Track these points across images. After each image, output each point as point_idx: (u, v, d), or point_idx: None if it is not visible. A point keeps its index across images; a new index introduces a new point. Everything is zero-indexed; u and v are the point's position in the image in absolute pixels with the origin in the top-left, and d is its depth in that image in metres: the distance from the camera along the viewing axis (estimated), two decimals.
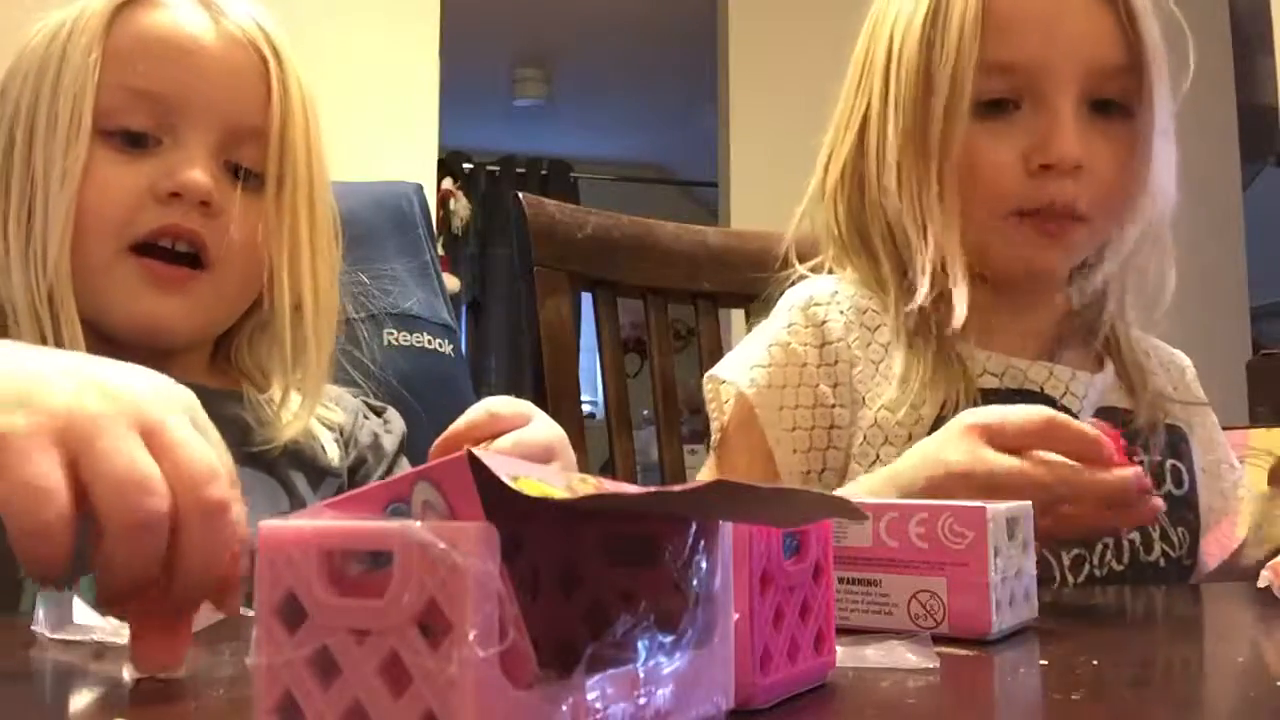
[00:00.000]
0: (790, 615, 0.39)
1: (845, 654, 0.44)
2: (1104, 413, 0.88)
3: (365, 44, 2.60)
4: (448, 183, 4.48)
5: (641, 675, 0.30)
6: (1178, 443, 0.91)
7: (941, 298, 0.85)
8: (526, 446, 0.65)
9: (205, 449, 0.42)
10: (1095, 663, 0.47)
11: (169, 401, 0.44)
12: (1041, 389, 0.87)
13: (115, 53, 0.75)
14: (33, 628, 0.50)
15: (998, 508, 0.53)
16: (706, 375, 0.92)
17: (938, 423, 0.80)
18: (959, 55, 0.84)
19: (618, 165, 5.43)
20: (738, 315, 1.19)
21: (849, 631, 0.48)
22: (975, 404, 0.82)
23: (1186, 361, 1.00)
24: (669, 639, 0.32)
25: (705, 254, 1.15)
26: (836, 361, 0.87)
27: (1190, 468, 0.91)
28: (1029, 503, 0.57)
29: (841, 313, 0.88)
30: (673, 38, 4.27)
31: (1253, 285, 3.35)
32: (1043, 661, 0.50)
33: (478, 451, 0.26)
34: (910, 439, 0.81)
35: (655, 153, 5.53)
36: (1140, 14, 0.85)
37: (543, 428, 0.68)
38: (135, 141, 0.75)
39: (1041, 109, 0.84)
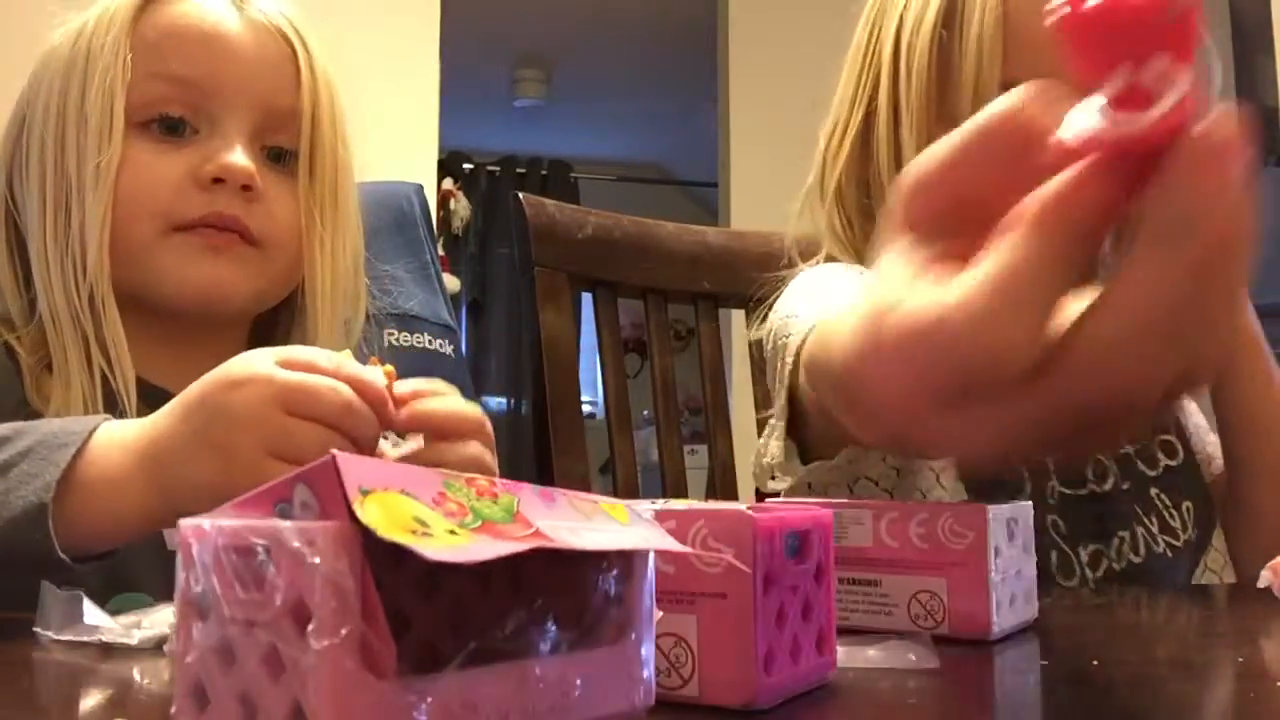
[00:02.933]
0: (793, 615, 0.39)
1: (846, 654, 0.44)
2: None
3: (365, 44, 2.59)
4: (448, 183, 4.48)
5: (537, 670, 0.31)
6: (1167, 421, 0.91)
7: None
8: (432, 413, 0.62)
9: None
10: (1095, 663, 0.47)
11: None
12: None
13: (144, 45, 0.76)
14: (35, 629, 0.50)
15: (999, 508, 0.53)
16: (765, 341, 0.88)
17: None
18: (981, 57, 0.83)
19: (618, 165, 5.43)
20: (738, 315, 1.19)
21: (850, 632, 0.48)
22: None
23: None
24: (571, 636, 0.33)
25: (705, 254, 1.15)
26: None
27: (1182, 435, 0.91)
28: (1029, 503, 0.57)
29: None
30: (673, 38, 4.27)
31: (1253, 285, 3.35)
32: (1043, 661, 0.50)
33: (341, 455, 0.27)
34: None
35: (655, 153, 5.53)
36: None
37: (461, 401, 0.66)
38: (172, 129, 0.76)
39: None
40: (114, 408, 0.71)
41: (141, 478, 0.56)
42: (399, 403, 0.58)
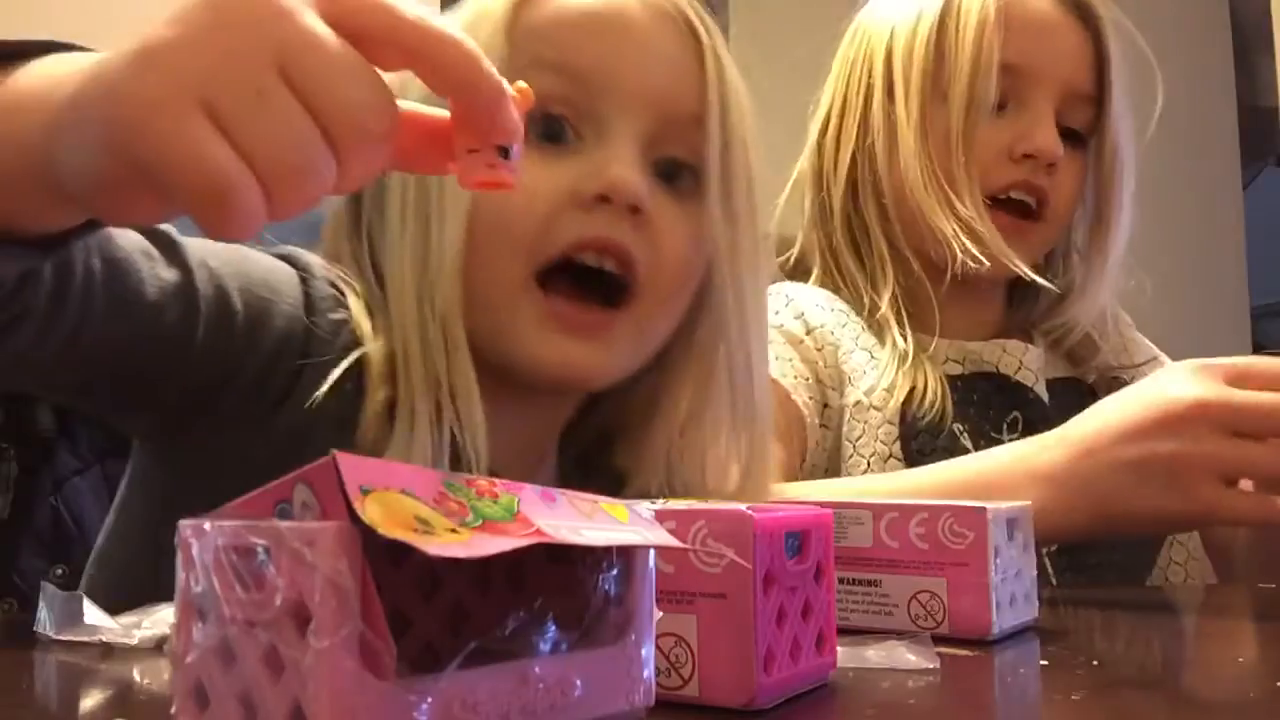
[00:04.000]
0: (792, 615, 0.39)
1: (846, 654, 0.44)
2: (1052, 385, 0.93)
3: None
4: None
5: (537, 670, 0.31)
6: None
7: (910, 293, 0.93)
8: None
9: (352, 65, 0.36)
10: (1095, 663, 0.47)
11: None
12: (997, 368, 0.92)
13: (526, 33, 0.63)
14: (36, 629, 0.50)
15: (998, 508, 0.53)
16: None
17: (906, 404, 0.86)
18: (979, 56, 0.88)
19: None
20: None
21: (850, 632, 0.48)
22: (940, 391, 0.87)
23: (1124, 320, 1.02)
24: (571, 636, 0.33)
25: None
26: (822, 346, 0.91)
27: None
28: (1029, 503, 0.57)
29: (817, 305, 0.94)
30: None
31: (1253, 285, 3.35)
32: (1043, 661, 0.50)
33: (341, 456, 0.27)
34: (887, 421, 0.86)
35: None
36: (1109, 58, 0.92)
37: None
38: (552, 135, 0.63)
39: (1024, 110, 0.89)
40: (458, 466, 0.61)
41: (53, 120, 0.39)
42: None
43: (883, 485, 0.79)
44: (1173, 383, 0.65)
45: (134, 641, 0.47)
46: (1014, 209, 0.90)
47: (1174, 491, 0.63)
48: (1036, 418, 0.89)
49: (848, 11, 1.00)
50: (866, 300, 0.94)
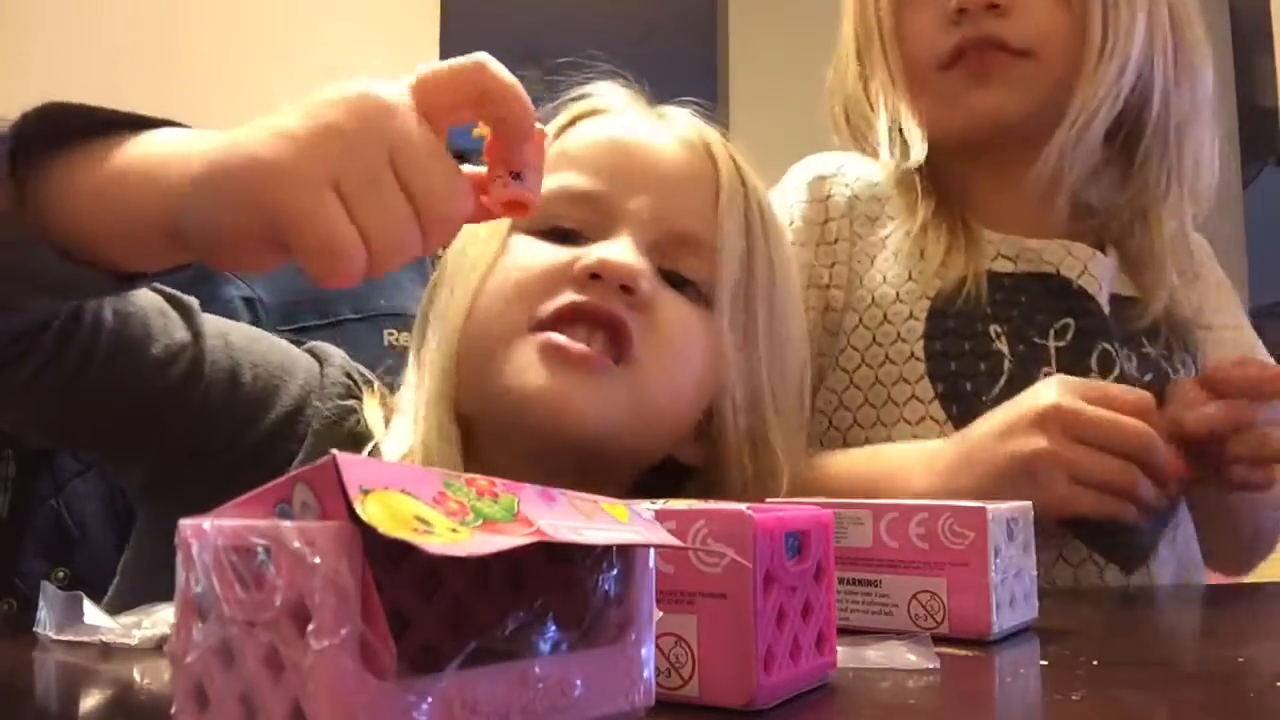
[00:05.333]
0: (793, 615, 0.39)
1: (846, 654, 0.44)
2: (1115, 300, 0.88)
3: (365, 44, 2.60)
4: None
5: (537, 670, 0.31)
6: (1186, 341, 0.91)
7: (946, 175, 0.89)
8: None
9: (438, 157, 0.47)
10: (1095, 663, 0.47)
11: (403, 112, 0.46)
12: (1058, 270, 0.87)
13: (561, 155, 0.68)
14: (36, 629, 0.50)
15: (998, 508, 0.53)
16: None
17: (936, 300, 0.84)
18: None
19: None
20: None
21: (850, 632, 0.48)
22: (980, 287, 0.84)
23: (1204, 248, 0.99)
24: (571, 636, 0.33)
25: None
26: (836, 240, 0.88)
27: (1196, 362, 0.90)
28: (1029, 503, 0.57)
29: (846, 185, 0.90)
30: (673, 38, 4.27)
31: (1253, 285, 3.35)
32: (1043, 661, 0.50)
33: (341, 456, 0.27)
34: (911, 317, 0.84)
35: None
36: None
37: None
38: (564, 238, 0.66)
39: None
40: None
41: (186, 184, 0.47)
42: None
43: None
44: (1041, 390, 0.72)
45: (134, 641, 0.47)
46: (965, 57, 0.85)
47: (1033, 487, 0.68)
48: (1094, 328, 0.85)
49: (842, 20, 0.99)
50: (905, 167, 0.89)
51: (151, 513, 0.70)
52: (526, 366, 0.62)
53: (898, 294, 0.85)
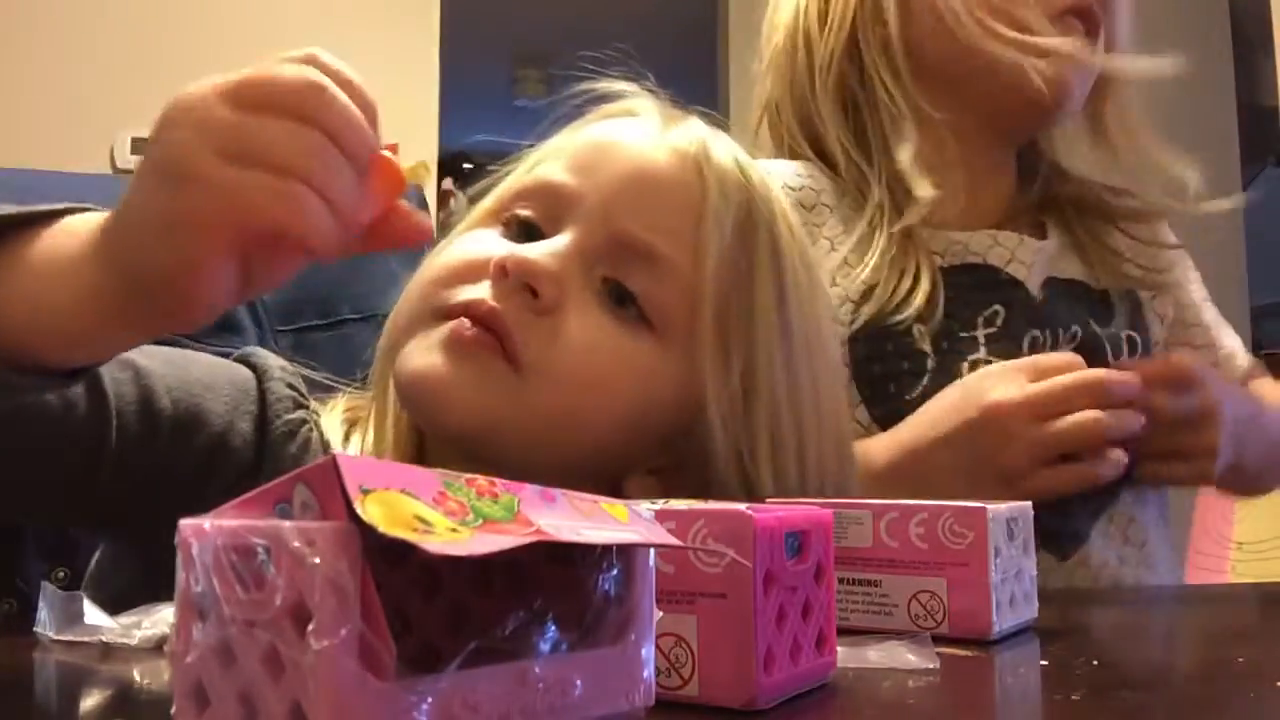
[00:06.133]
0: (793, 615, 0.39)
1: (846, 654, 0.44)
2: (1053, 283, 0.89)
3: (365, 44, 2.59)
4: (448, 183, 4.48)
5: (537, 670, 0.31)
6: (1133, 311, 0.92)
7: (902, 176, 0.87)
8: None
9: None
10: (1095, 663, 0.47)
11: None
12: (985, 259, 0.88)
13: (556, 151, 0.66)
14: (35, 629, 0.50)
15: (998, 508, 0.53)
16: None
17: (861, 302, 0.83)
18: None
19: None
20: None
21: (850, 632, 0.48)
22: (935, 280, 0.84)
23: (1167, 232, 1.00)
24: (571, 636, 0.33)
25: None
26: None
27: (1146, 339, 0.91)
28: (1029, 503, 0.57)
29: (785, 185, 0.89)
30: (673, 38, 4.27)
31: (1253, 285, 3.35)
32: (1043, 661, 0.50)
33: (341, 456, 0.27)
34: (847, 301, 0.84)
35: None
36: None
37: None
38: (524, 232, 0.63)
39: None
40: None
41: (92, 254, 0.47)
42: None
43: None
44: (989, 389, 0.73)
45: (134, 641, 0.47)
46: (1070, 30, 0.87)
47: (1006, 487, 0.71)
48: (1024, 315, 0.86)
49: None
50: (861, 175, 0.90)
51: (116, 552, 0.68)
52: (413, 350, 0.60)
53: (842, 288, 0.85)
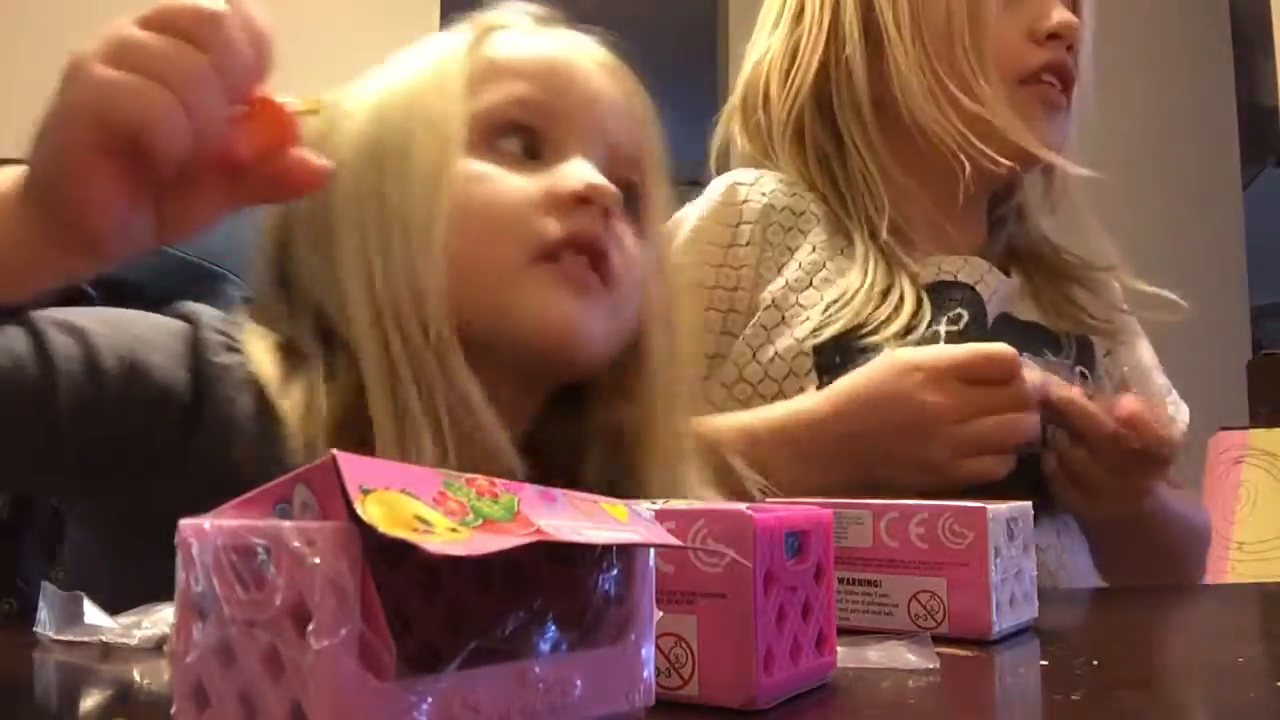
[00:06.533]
0: (793, 615, 0.39)
1: (846, 654, 0.44)
2: (1007, 319, 0.91)
3: (365, 44, 2.59)
4: None
5: (537, 670, 0.31)
6: (1085, 353, 0.94)
7: (872, 194, 0.91)
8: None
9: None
10: (1095, 663, 0.47)
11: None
12: (956, 277, 0.91)
13: (481, 72, 0.68)
14: (35, 629, 0.50)
15: (998, 508, 0.53)
16: None
17: (832, 310, 0.85)
18: None
19: None
20: None
21: (850, 632, 0.48)
22: (919, 298, 0.86)
23: (1117, 291, 1.01)
24: (571, 636, 0.33)
25: None
26: (748, 243, 0.90)
27: (1095, 376, 0.92)
28: (1029, 503, 0.57)
29: (763, 194, 0.92)
30: (673, 38, 4.27)
31: (1253, 285, 3.35)
32: (1043, 661, 0.50)
33: (341, 455, 0.27)
34: (805, 320, 0.86)
35: None
36: None
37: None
38: (525, 151, 0.67)
39: None
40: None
41: (12, 187, 0.47)
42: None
43: None
44: (917, 390, 0.75)
45: (134, 641, 0.47)
46: (1042, 85, 0.89)
47: (920, 474, 0.75)
48: (979, 316, 0.88)
49: None
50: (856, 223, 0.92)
51: (88, 526, 0.68)
52: (543, 295, 0.64)
53: (797, 300, 0.87)
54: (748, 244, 0.90)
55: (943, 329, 0.86)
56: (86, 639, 0.48)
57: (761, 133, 0.98)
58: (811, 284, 0.88)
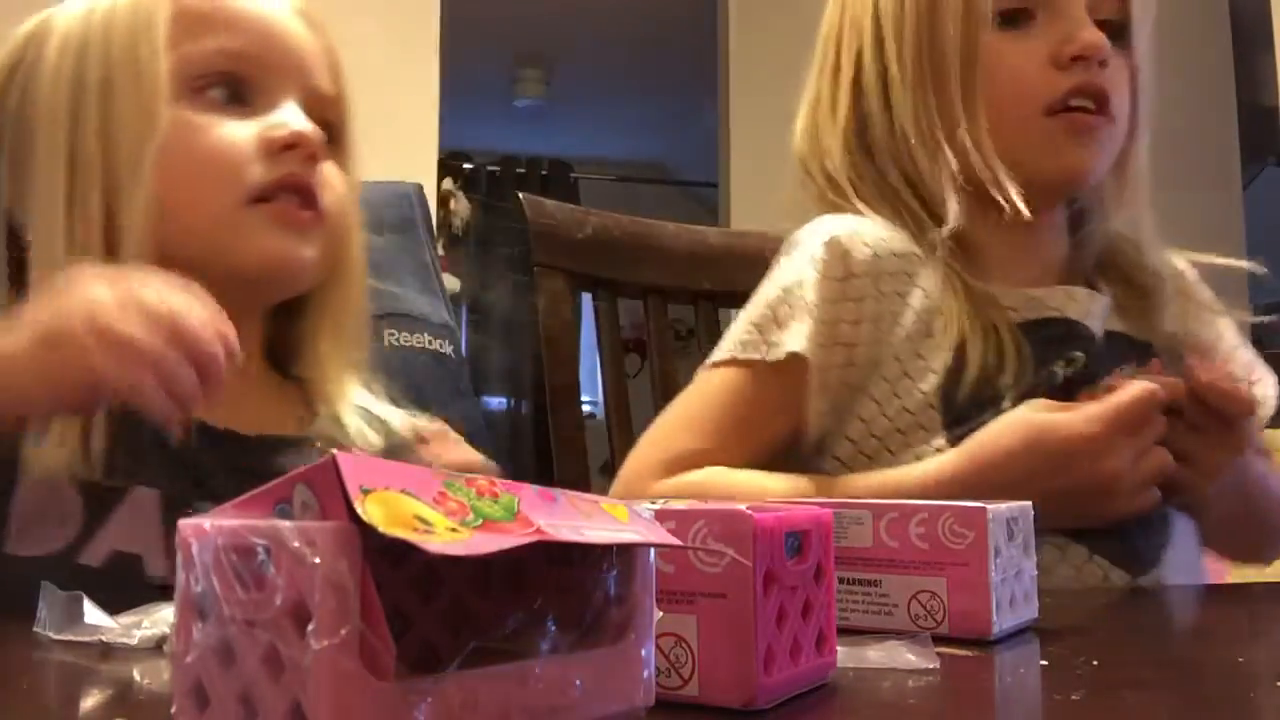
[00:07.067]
0: (793, 615, 0.39)
1: (846, 654, 0.44)
2: (1111, 336, 0.88)
3: (365, 44, 2.59)
4: (448, 183, 4.48)
5: (537, 670, 0.31)
6: (1176, 364, 0.90)
7: (962, 237, 0.86)
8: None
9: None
10: (1095, 663, 0.47)
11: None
12: (1063, 313, 0.86)
13: (184, 19, 0.74)
14: (35, 629, 0.50)
15: (998, 508, 0.53)
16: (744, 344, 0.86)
17: (953, 356, 0.82)
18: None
19: (618, 165, 5.43)
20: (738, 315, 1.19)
21: (850, 632, 0.48)
22: (1000, 340, 0.83)
23: (1190, 274, 0.98)
24: (571, 636, 0.33)
25: (705, 254, 1.15)
26: (861, 298, 0.85)
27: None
28: (1029, 503, 0.57)
29: (866, 244, 0.86)
30: (673, 38, 4.27)
31: (1253, 285, 3.35)
32: (1043, 661, 0.50)
33: (341, 455, 0.27)
34: (930, 370, 0.83)
35: (655, 153, 5.53)
36: None
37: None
38: (232, 98, 0.74)
39: (1057, 15, 0.86)
40: None
41: None
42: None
43: (779, 486, 0.80)
44: (1056, 421, 0.75)
45: (134, 641, 0.47)
46: (1071, 112, 0.85)
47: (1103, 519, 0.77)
48: (1097, 364, 0.85)
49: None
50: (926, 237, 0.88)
51: None
52: (261, 234, 0.73)
53: (917, 350, 0.84)
54: (861, 299, 0.85)
55: (1061, 371, 0.84)
56: (86, 639, 0.48)
57: (833, 178, 0.94)
58: (930, 333, 0.84)
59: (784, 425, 0.85)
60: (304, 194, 0.74)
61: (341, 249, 0.80)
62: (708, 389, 0.87)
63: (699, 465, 0.83)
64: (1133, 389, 0.74)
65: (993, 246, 0.88)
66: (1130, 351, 0.89)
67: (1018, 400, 0.81)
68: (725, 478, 0.82)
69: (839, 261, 0.85)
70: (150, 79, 0.71)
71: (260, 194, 0.72)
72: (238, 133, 0.73)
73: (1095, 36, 0.84)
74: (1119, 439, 0.73)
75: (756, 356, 0.84)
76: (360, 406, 0.82)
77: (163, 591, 0.64)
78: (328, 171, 0.77)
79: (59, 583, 0.59)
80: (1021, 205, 0.83)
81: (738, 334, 0.87)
